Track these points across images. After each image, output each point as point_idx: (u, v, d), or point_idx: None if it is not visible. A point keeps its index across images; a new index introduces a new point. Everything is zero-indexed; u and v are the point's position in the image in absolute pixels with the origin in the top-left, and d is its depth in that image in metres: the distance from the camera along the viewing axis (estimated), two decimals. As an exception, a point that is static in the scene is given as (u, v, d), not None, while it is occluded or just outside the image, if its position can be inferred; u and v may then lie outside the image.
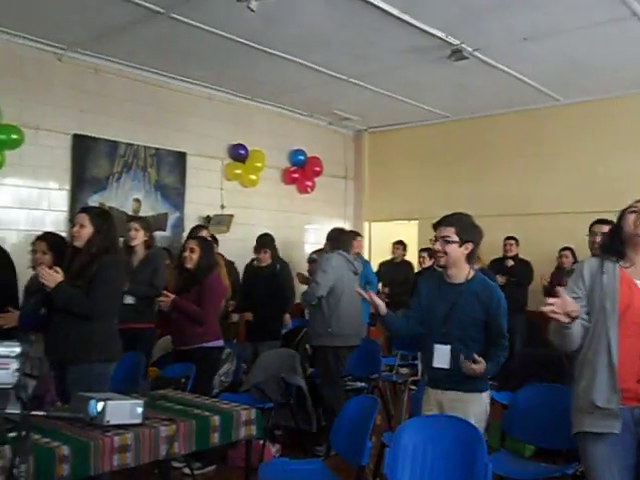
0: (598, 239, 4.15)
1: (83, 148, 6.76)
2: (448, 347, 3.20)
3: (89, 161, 6.80)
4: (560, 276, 6.36)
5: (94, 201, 6.73)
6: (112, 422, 2.88)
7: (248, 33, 5.96)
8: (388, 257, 8.64)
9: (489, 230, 4.91)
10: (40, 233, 4.35)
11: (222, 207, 8.05)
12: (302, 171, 9.02)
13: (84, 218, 3.68)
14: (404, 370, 6.81)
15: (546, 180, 8.17)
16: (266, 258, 6.20)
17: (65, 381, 3.58)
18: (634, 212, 2.57)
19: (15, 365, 1.86)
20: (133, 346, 4.50)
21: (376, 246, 9.74)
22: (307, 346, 6.44)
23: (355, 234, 6.98)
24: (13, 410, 1.87)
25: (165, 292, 4.65)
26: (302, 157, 9.00)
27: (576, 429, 2.60)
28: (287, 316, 6.41)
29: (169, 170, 7.53)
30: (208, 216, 7.82)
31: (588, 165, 7.86)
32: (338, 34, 5.97)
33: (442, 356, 3.21)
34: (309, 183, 9.11)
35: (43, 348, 3.95)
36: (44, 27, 6.03)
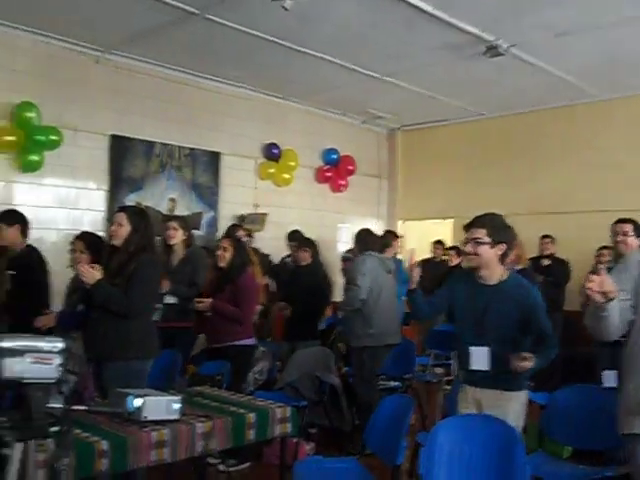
0: (619, 238, 4.17)
1: (120, 148, 6.87)
2: (486, 349, 3.14)
3: (126, 161, 6.92)
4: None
5: (130, 200, 6.83)
6: (149, 418, 2.92)
7: (282, 32, 5.98)
8: (423, 257, 8.58)
9: (525, 228, 4.88)
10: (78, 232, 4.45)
11: (256, 206, 8.10)
12: (335, 170, 9.02)
13: (122, 217, 3.73)
14: (438, 370, 6.76)
15: (584, 177, 8.03)
16: (306, 257, 6.19)
17: (103, 378, 3.64)
18: None
19: (58, 360, 1.90)
20: (173, 344, 4.56)
21: (412, 245, 9.64)
22: (340, 345, 6.45)
23: (394, 235, 6.96)
24: (55, 405, 1.91)
25: (199, 299, 4.69)
26: (335, 156, 9.00)
27: (626, 430, 2.53)
28: (327, 311, 6.42)
29: (203, 170, 7.60)
30: (242, 215, 7.87)
31: (628, 162, 7.70)
32: (371, 32, 5.96)
33: (480, 358, 3.15)
34: (342, 182, 9.11)
35: (82, 346, 4.04)
36: (82, 30, 6.14)
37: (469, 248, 3.18)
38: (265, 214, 8.05)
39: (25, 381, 1.88)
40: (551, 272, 7.43)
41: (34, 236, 4.74)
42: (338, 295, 7.45)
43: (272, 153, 8.21)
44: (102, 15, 5.71)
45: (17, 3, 5.53)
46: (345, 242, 8.82)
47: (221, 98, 7.76)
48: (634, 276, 2.52)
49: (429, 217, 9.62)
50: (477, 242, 3.14)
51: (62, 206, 6.49)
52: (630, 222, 4.28)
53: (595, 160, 7.96)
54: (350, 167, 9.10)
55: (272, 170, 8.24)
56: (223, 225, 7.67)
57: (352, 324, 5.34)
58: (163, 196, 7.23)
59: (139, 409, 2.90)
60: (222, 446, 3.13)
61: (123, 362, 3.55)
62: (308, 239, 6.35)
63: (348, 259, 7.26)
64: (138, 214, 3.86)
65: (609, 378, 4.04)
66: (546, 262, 7.58)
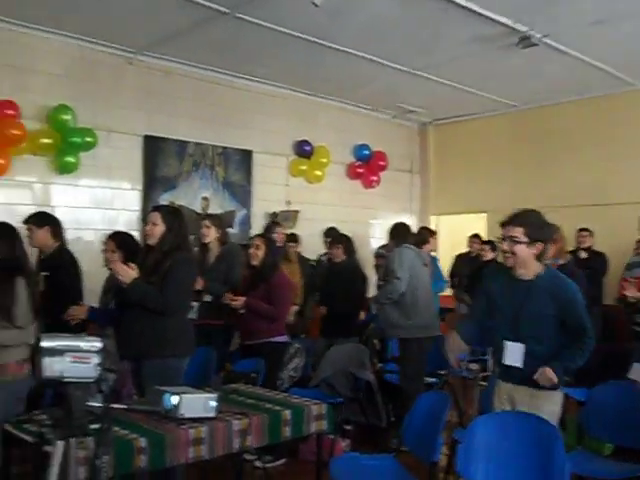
0: None
1: (154, 148, 6.95)
2: (521, 345, 3.09)
3: (159, 161, 7.00)
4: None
5: (164, 200, 6.90)
6: (187, 415, 2.95)
7: (312, 29, 5.98)
8: (457, 251, 8.52)
9: (561, 221, 4.79)
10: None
11: (288, 203, 8.12)
12: (367, 166, 8.99)
13: (156, 216, 3.76)
14: (474, 366, 6.69)
15: (622, 168, 7.86)
16: (339, 254, 6.18)
17: (140, 375, 3.68)
18: None
19: (96, 360, 1.93)
20: (209, 342, 4.60)
21: (446, 240, 9.57)
22: (375, 341, 6.43)
23: (431, 231, 6.92)
24: (95, 403, 1.94)
25: (231, 296, 4.72)
26: (367, 152, 8.97)
27: None
28: (362, 313, 6.40)
29: (236, 168, 7.65)
30: (274, 212, 7.90)
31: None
32: (402, 26, 5.91)
33: (514, 354, 3.10)
34: (374, 178, 9.07)
35: (114, 343, 4.10)
36: (115, 32, 6.23)
37: (505, 246, 3.12)
38: (297, 211, 8.06)
39: (65, 380, 1.91)
40: (589, 265, 7.28)
41: (71, 237, 4.81)
42: (372, 291, 7.45)
43: (304, 150, 8.22)
44: (134, 17, 5.77)
45: (52, 8, 5.62)
46: (378, 238, 8.78)
47: (252, 96, 7.79)
48: None
49: (462, 212, 9.51)
50: (514, 240, 3.08)
51: (98, 206, 6.59)
52: None
53: (631, 151, 7.79)
54: (382, 163, 9.06)
55: (304, 167, 8.25)
56: (256, 223, 7.73)
57: (389, 315, 5.32)
58: (196, 195, 7.29)
59: (176, 407, 2.93)
60: (258, 443, 3.15)
61: (160, 360, 3.58)
62: (341, 236, 6.34)
63: (381, 255, 7.23)
64: (172, 213, 3.89)
65: (637, 371, 3.96)
66: (583, 255, 7.43)
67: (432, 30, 5.99)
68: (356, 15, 5.63)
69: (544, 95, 8.18)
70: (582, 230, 7.59)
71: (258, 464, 4.44)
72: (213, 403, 3.03)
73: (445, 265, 8.05)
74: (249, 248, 4.88)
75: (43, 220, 4.52)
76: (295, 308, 5.69)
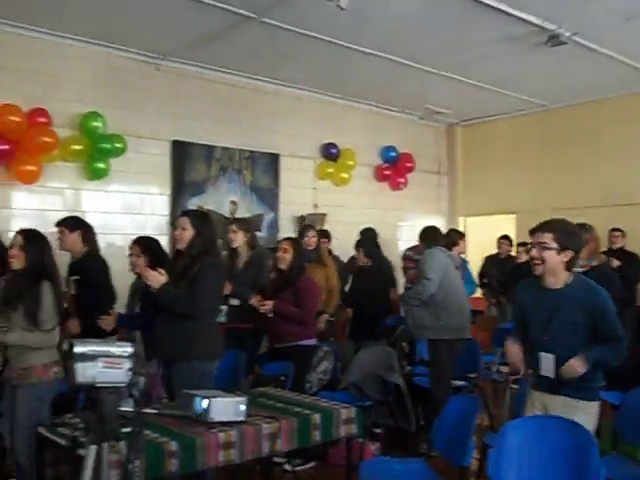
0: None
1: (181, 153, 7.01)
2: (552, 356, 3.04)
3: (187, 165, 7.05)
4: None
5: (193, 204, 6.96)
6: (216, 419, 2.97)
7: (338, 32, 5.98)
8: (486, 253, 8.43)
9: (592, 222, 4.73)
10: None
11: (315, 206, 8.13)
12: (394, 168, 8.95)
13: (185, 221, 3.79)
14: (504, 368, 6.61)
15: (654, 168, 7.71)
16: (361, 257, 6.18)
17: (170, 379, 3.71)
18: None
19: (128, 365, 1.95)
20: (239, 345, 4.62)
21: (474, 241, 9.48)
22: (404, 344, 6.39)
23: (460, 234, 6.86)
24: (126, 408, 1.96)
25: (259, 298, 4.74)
26: (394, 153, 8.94)
27: None
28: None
29: (263, 171, 7.67)
30: (302, 216, 7.91)
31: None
32: (428, 27, 5.88)
33: (547, 364, 3.06)
34: (401, 179, 9.03)
35: (142, 346, 4.15)
36: (142, 39, 6.30)
37: (534, 252, 3.08)
38: (324, 214, 8.06)
39: (98, 385, 1.93)
40: (621, 267, 7.14)
41: (101, 242, 4.88)
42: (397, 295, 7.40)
43: (330, 153, 8.22)
44: (161, 23, 5.83)
45: (81, 16, 5.71)
46: (405, 240, 8.74)
47: (279, 100, 7.82)
48: None
49: (491, 213, 9.41)
50: (543, 247, 3.04)
51: (127, 212, 6.67)
52: None
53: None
54: (409, 164, 9.02)
55: (331, 170, 8.25)
56: (283, 226, 7.75)
57: (419, 317, 5.29)
58: (224, 199, 7.33)
59: (206, 410, 2.95)
60: (288, 447, 3.16)
61: (189, 363, 3.61)
62: (360, 239, 6.32)
63: (409, 257, 7.19)
64: (200, 218, 3.92)
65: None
66: (616, 263, 7.23)
67: (459, 30, 5.95)
68: (382, 17, 5.62)
69: (573, 94, 8.06)
70: (614, 230, 7.46)
71: (287, 467, 4.44)
72: (243, 407, 3.04)
73: (474, 267, 7.98)
74: (277, 251, 4.89)
75: (75, 224, 4.60)
76: (326, 316, 5.64)
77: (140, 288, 4.41)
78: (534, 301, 3.16)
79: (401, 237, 9.07)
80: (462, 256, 7.04)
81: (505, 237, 8.32)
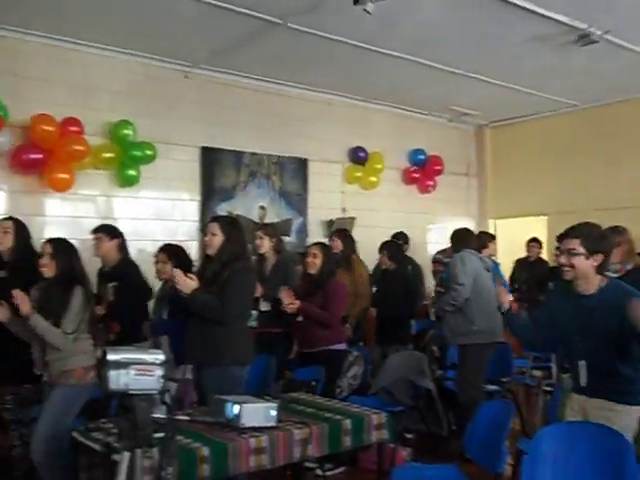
0: None
1: (211, 159, 7.07)
2: (584, 363, 3.01)
3: (217, 172, 7.11)
4: None
5: (222, 210, 7.01)
6: (248, 424, 2.98)
7: (364, 36, 5.97)
8: (517, 256, 8.34)
9: (626, 223, 4.64)
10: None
11: (343, 210, 8.12)
12: (422, 170, 8.91)
13: (215, 227, 3.83)
14: (537, 372, 6.52)
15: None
16: (385, 261, 6.15)
17: (201, 384, 3.74)
18: None
19: (159, 372, 1.97)
20: (270, 350, 4.63)
21: (506, 244, 9.38)
22: (434, 348, 6.34)
23: (490, 236, 6.79)
24: (159, 414, 1.98)
25: (286, 292, 4.74)
26: (422, 156, 8.89)
27: None
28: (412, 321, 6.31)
29: (291, 177, 7.70)
30: (331, 220, 7.91)
31: None
32: (455, 29, 5.84)
33: (582, 371, 3.02)
34: (430, 182, 8.98)
35: (170, 352, 4.18)
36: (172, 48, 6.37)
37: (563, 260, 3.04)
38: (353, 218, 8.05)
39: (130, 392, 1.96)
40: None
41: (132, 248, 4.95)
42: (428, 297, 7.35)
43: (358, 157, 8.21)
44: (189, 32, 5.89)
45: (111, 27, 5.80)
46: (435, 243, 8.69)
47: (306, 105, 7.84)
48: None
49: (521, 215, 9.30)
50: (571, 253, 3.00)
51: (158, 218, 6.73)
52: None
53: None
54: (437, 167, 8.96)
55: (359, 174, 8.24)
56: (312, 231, 7.75)
57: (452, 322, 5.25)
58: (253, 204, 7.36)
59: (238, 416, 2.96)
60: (319, 453, 3.15)
61: (220, 368, 3.63)
62: (385, 242, 6.28)
63: (439, 261, 7.15)
64: (230, 223, 3.95)
65: None
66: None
67: (486, 31, 5.90)
68: (408, 20, 5.60)
69: (605, 93, 7.93)
70: (649, 231, 7.31)
71: (319, 472, 4.43)
72: (274, 412, 3.05)
73: (505, 270, 7.89)
74: (306, 256, 4.90)
75: (113, 232, 4.73)
76: (347, 326, 5.61)
77: (167, 294, 4.46)
78: (567, 308, 3.12)
79: (430, 240, 9.01)
80: (493, 259, 6.98)
81: (534, 240, 8.21)
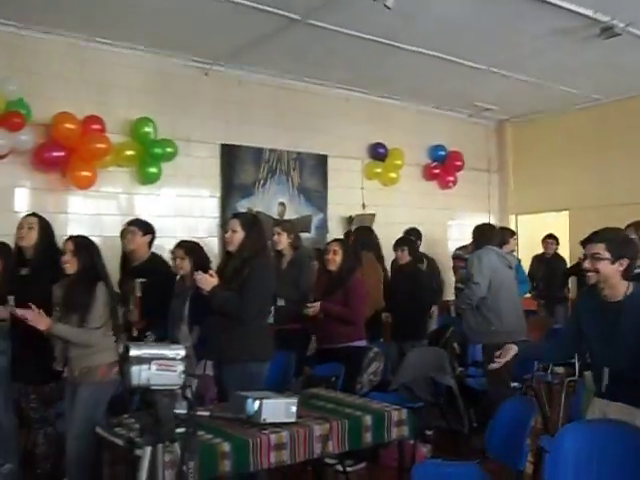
0: None
1: (230, 156, 7.09)
2: (606, 369, 2.98)
3: (237, 168, 7.13)
4: None
5: (242, 206, 7.02)
6: (268, 420, 2.99)
7: (384, 31, 5.95)
8: (539, 251, 8.26)
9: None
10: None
11: (363, 207, 8.10)
12: (443, 166, 8.86)
13: (235, 224, 3.84)
14: (559, 369, 6.47)
15: None
16: (404, 256, 6.12)
17: (222, 380, 3.76)
18: None
19: (181, 367, 1.99)
20: (289, 346, 4.64)
21: (527, 240, 9.30)
22: (455, 345, 6.31)
23: (511, 232, 6.74)
24: (181, 410, 1.99)
25: (309, 304, 4.75)
26: (442, 152, 8.85)
27: None
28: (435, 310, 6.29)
29: (311, 173, 7.70)
30: (350, 216, 7.89)
31: None
32: (476, 23, 5.79)
33: (605, 378, 2.99)
34: (450, 178, 8.93)
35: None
36: (191, 45, 6.40)
37: (587, 265, 3.00)
38: (373, 214, 8.03)
39: (152, 387, 1.97)
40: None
41: (155, 245, 4.98)
42: (449, 294, 7.31)
43: (378, 153, 8.18)
44: (208, 29, 5.91)
45: (131, 25, 5.84)
46: (455, 239, 8.63)
47: (326, 101, 7.82)
48: None
49: (543, 210, 9.22)
50: (596, 258, 2.96)
51: (178, 215, 6.77)
52: None
53: None
54: (458, 163, 8.91)
55: (378, 170, 8.22)
56: (332, 227, 7.75)
57: (471, 321, 5.21)
58: (273, 201, 7.37)
59: (258, 412, 2.97)
60: (339, 449, 3.16)
61: (240, 364, 3.65)
62: (405, 237, 6.25)
63: (459, 257, 7.10)
64: (250, 220, 3.97)
65: None
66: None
67: (508, 26, 5.84)
68: (428, 15, 5.57)
69: (629, 87, 7.82)
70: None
71: (339, 468, 4.43)
72: (294, 408, 3.05)
73: (525, 266, 7.82)
74: (326, 253, 4.89)
75: (147, 228, 4.82)
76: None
77: (185, 289, 4.48)
78: (594, 315, 3.08)
79: (451, 236, 8.97)
80: (514, 255, 6.92)
81: (550, 236, 8.11)
